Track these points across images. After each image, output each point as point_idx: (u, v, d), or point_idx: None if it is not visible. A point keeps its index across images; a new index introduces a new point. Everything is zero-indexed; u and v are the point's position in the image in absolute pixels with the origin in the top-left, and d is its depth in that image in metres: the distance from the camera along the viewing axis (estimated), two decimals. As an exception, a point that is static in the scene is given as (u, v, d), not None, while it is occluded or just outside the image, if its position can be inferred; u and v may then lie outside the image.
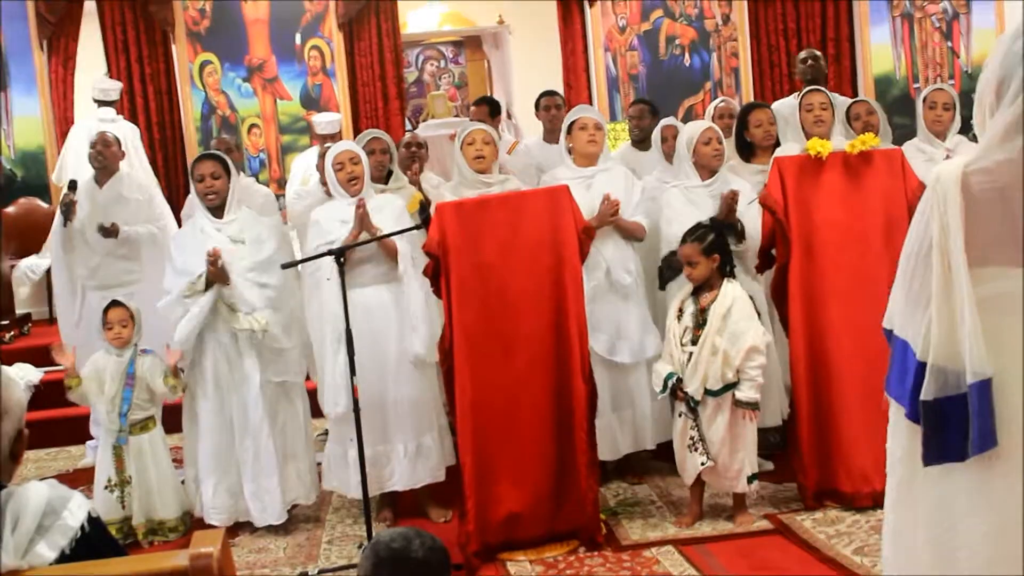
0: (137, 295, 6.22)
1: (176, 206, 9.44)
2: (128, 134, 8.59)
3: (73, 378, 5.46)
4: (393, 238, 5.27)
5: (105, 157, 6.81)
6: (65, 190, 6.81)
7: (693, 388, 4.95)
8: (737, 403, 4.94)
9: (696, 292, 5.09)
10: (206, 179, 5.43)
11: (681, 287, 5.26)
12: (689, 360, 4.98)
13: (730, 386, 4.94)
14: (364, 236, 5.24)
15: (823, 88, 6.27)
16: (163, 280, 5.52)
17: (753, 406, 4.96)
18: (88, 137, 7.27)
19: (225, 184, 5.46)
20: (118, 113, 8.95)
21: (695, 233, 5.10)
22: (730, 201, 5.48)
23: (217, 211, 5.49)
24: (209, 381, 5.42)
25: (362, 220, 5.25)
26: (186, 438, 5.62)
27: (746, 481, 5.04)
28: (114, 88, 8.95)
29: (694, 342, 4.99)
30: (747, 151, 6.29)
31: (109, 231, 6.61)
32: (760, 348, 4.95)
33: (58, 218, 6.75)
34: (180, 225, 6.92)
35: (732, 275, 5.11)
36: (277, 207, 6.85)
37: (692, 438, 5.00)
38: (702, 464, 4.98)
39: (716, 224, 5.25)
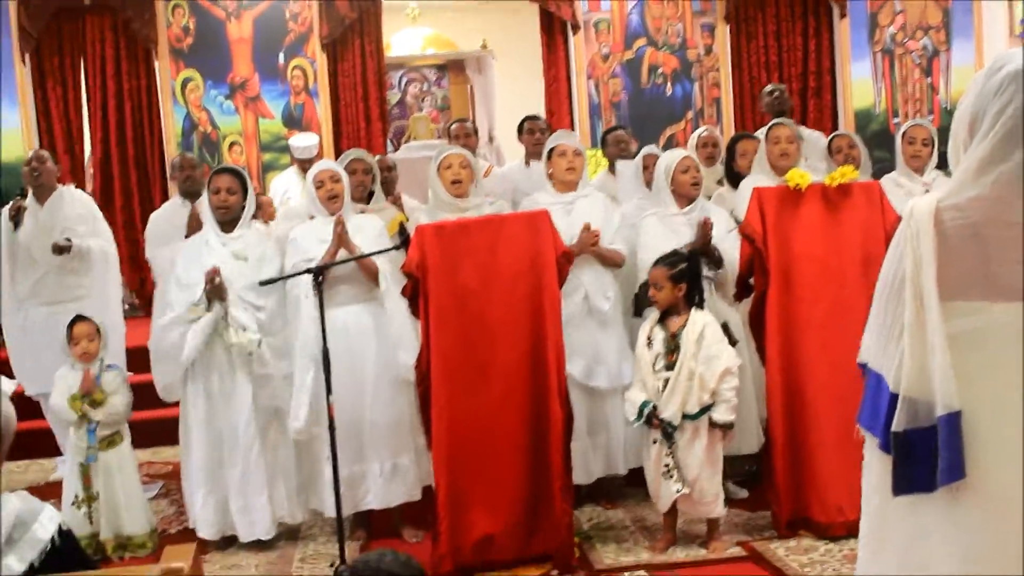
0: (85, 310, 6.15)
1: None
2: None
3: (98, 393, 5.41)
4: (373, 258, 5.27)
5: (40, 174, 6.73)
6: (16, 197, 6.72)
7: (671, 413, 4.95)
8: (713, 424, 4.97)
9: (663, 319, 5.11)
10: (221, 192, 5.44)
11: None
12: (664, 386, 5.00)
13: (706, 409, 4.96)
14: (342, 255, 5.23)
15: (788, 121, 6.27)
16: (166, 293, 5.54)
17: (729, 426, 4.98)
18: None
19: (239, 200, 5.46)
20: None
21: (667, 259, 5.13)
22: (705, 229, 5.51)
23: (227, 226, 5.48)
24: (201, 394, 5.40)
25: (340, 238, 5.25)
26: (182, 451, 5.61)
27: (722, 505, 5.05)
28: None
29: (668, 368, 5.00)
30: (735, 180, 6.31)
31: (63, 248, 6.54)
32: (733, 370, 4.98)
33: (6, 225, 6.65)
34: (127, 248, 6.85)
35: (700, 305, 5.12)
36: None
37: (667, 465, 4.99)
38: (677, 491, 4.98)
39: (692, 254, 5.27)
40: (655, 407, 4.99)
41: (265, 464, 5.40)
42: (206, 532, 5.44)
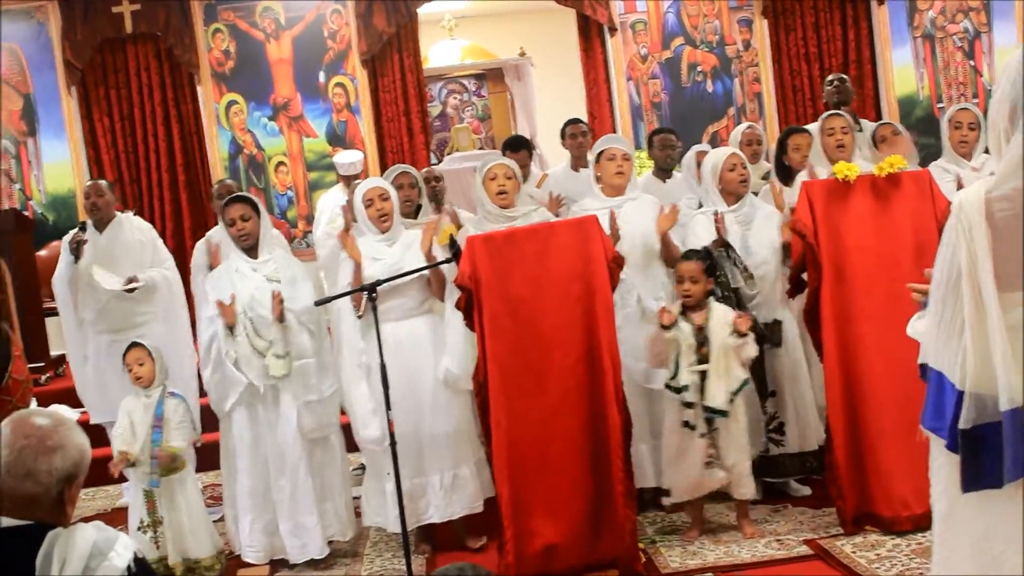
0: (147, 336, 6.16)
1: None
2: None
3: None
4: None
5: (99, 208, 6.77)
6: (76, 230, 6.77)
7: (720, 401, 5.10)
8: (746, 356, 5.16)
9: (686, 313, 5.23)
10: (237, 223, 5.49)
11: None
12: (703, 379, 5.12)
13: (744, 384, 5.17)
14: (398, 270, 5.26)
15: (843, 112, 6.23)
16: (199, 327, 5.60)
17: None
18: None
19: (256, 225, 5.52)
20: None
21: (697, 254, 5.28)
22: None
23: (251, 251, 5.54)
24: (246, 420, 5.44)
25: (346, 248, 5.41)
26: (224, 476, 5.65)
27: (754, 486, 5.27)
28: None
29: (701, 361, 5.13)
30: (786, 174, 6.27)
31: (130, 288, 6.58)
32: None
33: (66, 257, 6.70)
34: (188, 274, 6.88)
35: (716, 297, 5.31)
36: (288, 246, 6.78)
37: (711, 455, 5.15)
38: (721, 479, 5.20)
39: (707, 250, 5.39)
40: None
41: (312, 484, 5.43)
42: (253, 557, 5.43)
